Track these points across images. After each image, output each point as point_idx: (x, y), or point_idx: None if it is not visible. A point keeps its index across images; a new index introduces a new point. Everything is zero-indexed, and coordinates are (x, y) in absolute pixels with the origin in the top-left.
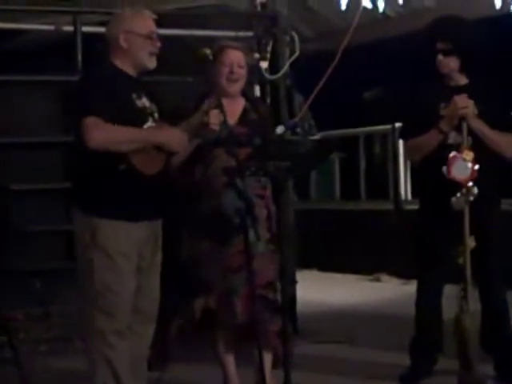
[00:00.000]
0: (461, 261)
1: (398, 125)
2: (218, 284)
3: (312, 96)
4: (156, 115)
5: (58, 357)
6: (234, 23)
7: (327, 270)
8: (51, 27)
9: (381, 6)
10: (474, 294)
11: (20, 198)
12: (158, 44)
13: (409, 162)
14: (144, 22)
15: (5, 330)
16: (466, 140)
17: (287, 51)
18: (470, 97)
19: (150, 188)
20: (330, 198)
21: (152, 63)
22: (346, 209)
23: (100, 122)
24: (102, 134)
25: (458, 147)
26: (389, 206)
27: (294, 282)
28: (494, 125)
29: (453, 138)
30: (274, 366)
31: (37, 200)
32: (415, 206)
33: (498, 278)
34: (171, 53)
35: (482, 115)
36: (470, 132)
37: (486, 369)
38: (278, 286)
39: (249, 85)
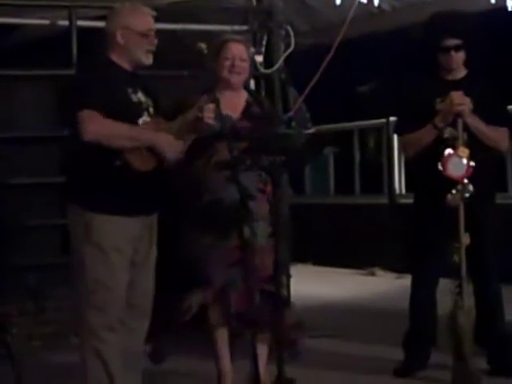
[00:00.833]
0: (456, 257)
1: (392, 119)
2: (217, 278)
3: (307, 90)
4: (151, 110)
5: (53, 352)
6: (230, 17)
7: (322, 264)
8: (46, 22)
9: None
10: (468, 289)
11: (16, 192)
12: (155, 41)
13: (403, 157)
14: (142, 19)
15: None
16: (462, 136)
17: (282, 45)
18: (466, 91)
19: (145, 183)
20: (324, 192)
21: (148, 60)
22: (340, 203)
23: (96, 115)
24: (97, 127)
25: (453, 141)
26: (383, 200)
27: (288, 276)
28: (488, 119)
29: (448, 133)
30: (293, 357)
31: (32, 194)
32: (409, 200)
33: (493, 274)
34: (166, 47)
35: (477, 109)
36: (466, 128)
37: (480, 362)
38: (284, 280)
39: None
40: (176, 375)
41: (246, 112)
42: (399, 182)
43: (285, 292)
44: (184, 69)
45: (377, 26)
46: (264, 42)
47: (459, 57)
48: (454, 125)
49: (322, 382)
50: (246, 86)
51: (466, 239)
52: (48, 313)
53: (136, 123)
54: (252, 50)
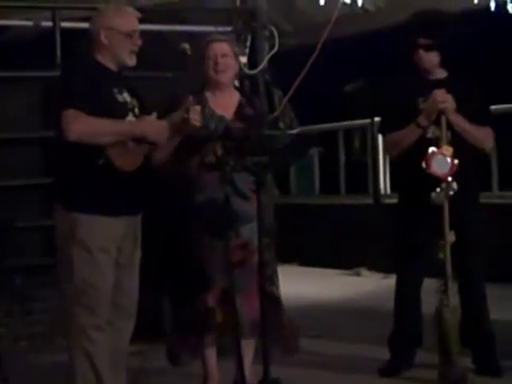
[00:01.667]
0: (441, 255)
1: (377, 119)
2: (218, 279)
3: (291, 90)
4: (137, 110)
5: (39, 353)
6: (214, 18)
7: (307, 264)
8: (30, 23)
9: None
10: (453, 288)
11: (1, 193)
12: (139, 42)
13: (388, 157)
14: (126, 20)
15: None
16: (446, 135)
17: (266, 46)
18: (449, 91)
19: (129, 183)
20: (309, 192)
21: (132, 61)
22: (325, 203)
23: (80, 115)
24: (81, 126)
25: (436, 141)
26: (368, 200)
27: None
28: (471, 118)
29: (431, 132)
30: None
31: (18, 196)
32: (395, 200)
33: (478, 273)
34: (150, 48)
35: (460, 109)
36: (449, 126)
37: (465, 361)
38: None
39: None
40: (162, 374)
41: (239, 113)
42: (384, 182)
43: (277, 291)
44: (168, 69)
45: (361, 26)
46: (248, 43)
47: (431, 56)
48: (437, 123)
49: (307, 382)
50: (239, 87)
51: (450, 237)
52: (35, 314)
53: None
54: (236, 49)
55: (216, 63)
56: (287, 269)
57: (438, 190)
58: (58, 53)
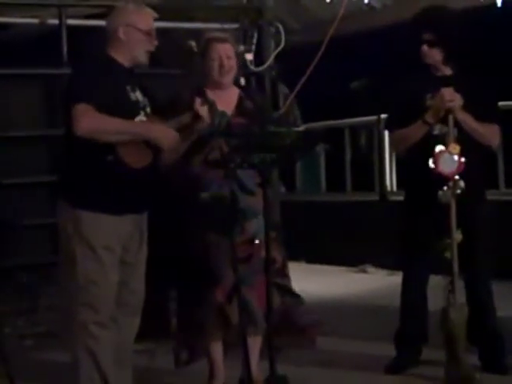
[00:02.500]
0: (448, 254)
1: (383, 116)
2: (226, 275)
3: (297, 87)
4: (148, 110)
5: (45, 351)
6: (220, 15)
7: (314, 261)
8: (36, 20)
9: None
10: (460, 286)
11: (5, 192)
12: (155, 42)
13: (394, 153)
14: (145, 18)
15: None
16: (453, 133)
17: (272, 43)
18: (456, 88)
19: (137, 181)
20: (315, 189)
21: (145, 59)
22: (331, 200)
23: (90, 110)
24: (91, 121)
25: (443, 138)
26: (374, 197)
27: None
28: (478, 116)
29: (438, 128)
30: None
31: (22, 194)
32: (401, 197)
33: (484, 270)
34: (157, 45)
35: (467, 106)
36: (456, 124)
37: (471, 359)
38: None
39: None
40: (169, 372)
41: (240, 108)
42: (390, 179)
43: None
44: (174, 66)
45: (367, 22)
46: (254, 40)
47: (434, 52)
48: (444, 121)
49: (314, 379)
50: (238, 82)
51: (457, 236)
52: (40, 312)
53: None
54: (241, 47)
55: (222, 65)
56: (293, 266)
57: (445, 188)
58: (65, 50)
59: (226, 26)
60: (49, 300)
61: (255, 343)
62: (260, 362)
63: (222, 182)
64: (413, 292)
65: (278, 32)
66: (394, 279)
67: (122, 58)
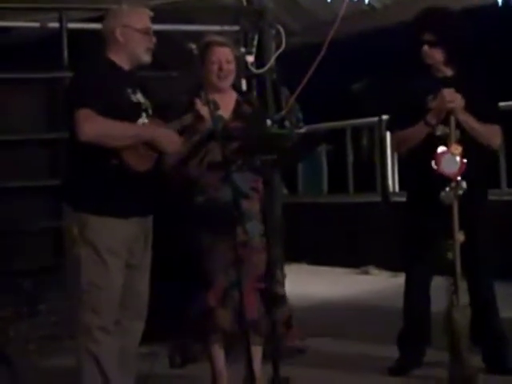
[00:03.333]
0: (450, 255)
1: (385, 117)
2: (219, 278)
3: (299, 89)
4: (150, 111)
5: (48, 355)
6: (220, 17)
7: (316, 263)
8: (37, 24)
9: None
10: (463, 287)
11: (8, 196)
12: (154, 40)
13: (396, 155)
14: (141, 17)
15: None
16: (454, 134)
17: (273, 45)
18: (458, 89)
19: (141, 185)
20: (317, 191)
21: (148, 58)
22: (333, 202)
23: (93, 115)
24: (94, 126)
25: (445, 139)
26: (377, 198)
27: (282, 276)
28: (479, 116)
29: (440, 129)
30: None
31: (25, 198)
32: (403, 199)
33: (487, 271)
34: (156, 47)
35: (468, 107)
36: (458, 125)
37: (475, 360)
38: (278, 275)
39: (236, 78)
40: (172, 376)
41: (237, 112)
42: (392, 180)
43: (282, 290)
44: (174, 69)
45: (368, 23)
46: (255, 42)
47: (434, 52)
48: (446, 122)
49: (317, 381)
50: (236, 86)
51: (460, 236)
52: (43, 316)
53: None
54: (242, 49)
55: (221, 69)
56: (296, 268)
57: (447, 189)
58: (65, 54)
59: (227, 28)
60: (52, 304)
61: (256, 351)
62: (263, 364)
63: (218, 185)
64: (416, 293)
65: (278, 34)
66: (398, 280)
67: (122, 59)
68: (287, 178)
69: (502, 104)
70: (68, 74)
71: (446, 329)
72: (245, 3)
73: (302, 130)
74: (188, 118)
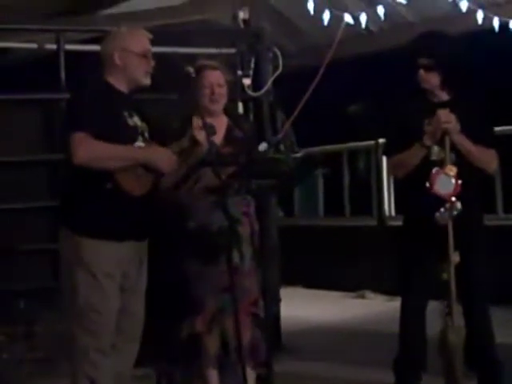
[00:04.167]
0: (445, 276)
1: (381, 141)
2: (209, 304)
3: (295, 112)
4: (146, 135)
5: (43, 377)
6: (217, 40)
7: (312, 286)
8: (34, 45)
9: (363, 20)
10: (458, 309)
11: (5, 216)
12: (153, 63)
13: (392, 178)
14: (140, 41)
15: None
16: (449, 155)
17: (270, 68)
18: (454, 114)
19: (136, 209)
20: (313, 214)
21: (147, 81)
22: (329, 225)
23: (88, 139)
24: (88, 150)
25: (441, 163)
26: (372, 222)
27: (278, 300)
28: (476, 140)
29: (436, 153)
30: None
31: (22, 219)
32: (399, 222)
33: (482, 295)
34: (154, 70)
35: (464, 131)
36: (453, 147)
37: None
38: (261, 302)
39: (232, 102)
40: None
41: (228, 137)
42: (389, 204)
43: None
44: (171, 92)
45: (365, 46)
46: (252, 65)
47: (430, 77)
48: (441, 144)
49: None
50: (227, 110)
51: (455, 257)
52: (38, 338)
53: None
54: (239, 72)
55: (213, 93)
56: (291, 291)
57: (442, 210)
58: (63, 75)
59: (224, 50)
60: (47, 326)
61: (250, 369)
62: None
63: (210, 210)
64: (411, 318)
65: (275, 57)
66: (393, 304)
67: (120, 83)
68: (283, 200)
69: (498, 129)
70: (65, 96)
71: (440, 349)
72: (242, 26)
73: (299, 155)
74: (185, 142)
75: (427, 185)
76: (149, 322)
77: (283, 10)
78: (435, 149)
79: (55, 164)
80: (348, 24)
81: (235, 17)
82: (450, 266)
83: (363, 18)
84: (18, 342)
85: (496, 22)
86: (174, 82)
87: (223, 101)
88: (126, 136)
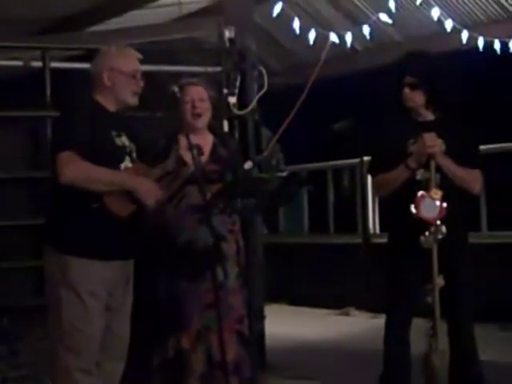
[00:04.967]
0: (429, 299)
1: (366, 158)
2: (194, 321)
3: (280, 131)
4: (134, 155)
5: None
6: (203, 58)
7: (296, 304)
8: (19, 63)
9: (348, 39)
10: (442, 330)
11: None
12: (141, 83)
13: (377, 196)
14: (129, 61)
15: None
16: (434, 178)
17: (255, 86)
18: (438, 133)
19: (123, 228)
20: (298, 231)
21: (134, 101)
22: (314, 242)
23: (75, 158)
24: (74, 170)
25: (426, 183)
26: (357, 239)
27: (262, 317)
28: (460, 161)
29: (421, 174)
30: None
31: (5, 237)
32: (383, 240)
33: (467, 316)
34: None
35: (449, 151)
36: (438, 169)
37: None
38: (246, 320)
39: (217, 120)
40: None
41: (213, 155)
42: (373, 222)
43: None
44: (159, 110)
45: (350, 66)
46: (237, 83)
47: (415, 96)
48: (426, 166)
49: None
50: (212, 127)
51: (440, 281)
52: (22, 356)
53: (118, 168)
54: (225, 91)
55: (194, 107)
56: (276, 308)
57: (427, 233)
58: (48, 93)
59: (210, 69)
60: (31, 343)
61: None
62: None
63: (195, 227)
64: (395, 337)
65: (260, 75)
66: (378, 322)
67: (108, 102)
68: (268, 218)
69: (482, 147)
70: (51, 113)
71: (424, 373)
72: (228, 44)
73: (284, 174)
74: (171, 164)
75: (412, 209)
76: (133, 341)
77: (269, 28)
78: (420, 170)
79: (38, 181)
80: (334, 43)
81: (221, 35)
82: (435, 290)
83: (349, 37)
84: (2, 360)
85: (481, 42)
86: (160, 100)
87: (206, 115)
88: (114, 156)
